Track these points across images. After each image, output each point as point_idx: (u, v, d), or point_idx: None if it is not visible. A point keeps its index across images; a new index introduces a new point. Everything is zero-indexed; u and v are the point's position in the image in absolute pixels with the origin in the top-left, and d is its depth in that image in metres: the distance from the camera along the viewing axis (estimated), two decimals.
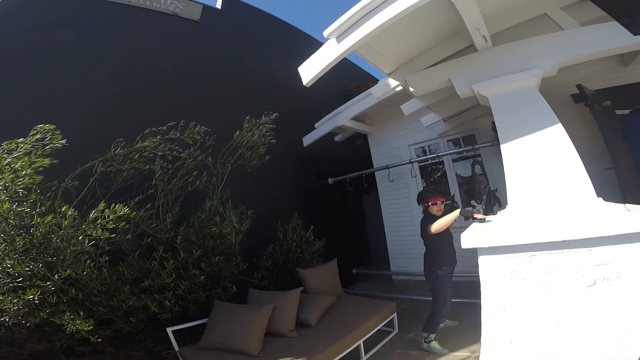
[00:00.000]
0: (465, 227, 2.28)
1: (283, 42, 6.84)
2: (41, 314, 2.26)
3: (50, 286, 2.23)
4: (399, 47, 2.91)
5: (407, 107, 4.49)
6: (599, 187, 2.00)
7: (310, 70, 2.65)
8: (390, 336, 3.41)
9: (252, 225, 3.63)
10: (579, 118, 3.55)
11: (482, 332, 1.91)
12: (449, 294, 2.90)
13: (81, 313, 2.33)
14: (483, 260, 1.89)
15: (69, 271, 2.24)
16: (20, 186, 2.16)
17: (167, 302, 2.86)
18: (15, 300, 2.12)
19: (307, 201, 5.79)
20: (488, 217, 2.41)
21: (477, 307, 1.99)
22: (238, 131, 3.84)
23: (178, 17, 5.02)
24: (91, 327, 2.30)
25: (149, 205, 3.12)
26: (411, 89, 3.04)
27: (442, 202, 3.00)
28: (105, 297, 2.61)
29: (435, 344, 2.96)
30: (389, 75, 3.18)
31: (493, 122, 3.43)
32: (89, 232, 2.27)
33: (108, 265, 2.59)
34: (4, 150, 2.24)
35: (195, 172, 3.52)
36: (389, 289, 5.17)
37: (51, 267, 2.30)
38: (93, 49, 3.98)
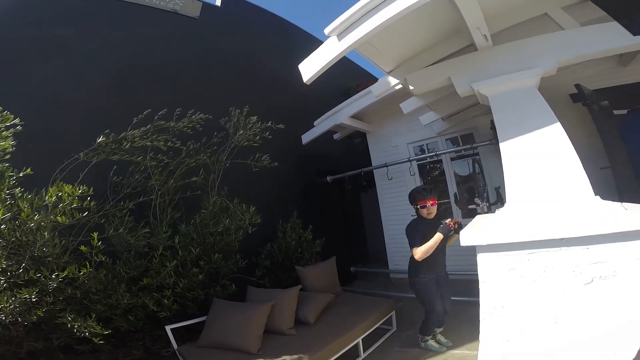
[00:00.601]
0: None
1: (283, 40, 6.82)
2: (38, 313, 2.24)
3: (48, 284, 2.22)
4: (399, 46, 2.91)
5: (407, 106, 4.49)
6: (597, 186, 2.02)
7: (310, 67, 2.65)
8: (389, 334, 3.43)
9: (251, 223, 3.62)
10: (577, 117, 3.57)
11: (480, 329, 1.92)
12: (433, 299, 2.82)
13: (93, 316, 2.33)
14: (481, 258, 1.90)
15: (67, 272, 2.23)
16: None
17: (166, 301, 2.86)
18: (12, 299, 2.11)
19: (305, 199, 5.79)
20: (461, 219, 2.41)
21: (475, 305, 2.00)
22: (228, 123, 3.78)
23: (177, 14, 5.00)
24: (103, 331, 2.29)
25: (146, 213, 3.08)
26: (411, 87, 3.04)
27: (434, 204, 2.80)
28: (104, 296, 2.60)
29: (432, 342, 2.97)
30: (389, 73, 3.18)
31: (492, 121, 3.44)
32: (53, 219, 2.21)
33: (105, 264, 2.58)
34: None
35: (198, 167, 3.46)
36: (387, 287, 5.19)
37: (44, 264, 2.28)
38: (92, 45, 3.95)
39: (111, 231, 2.75)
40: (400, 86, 3.45)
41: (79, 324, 2.24)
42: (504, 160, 2.26)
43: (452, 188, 4.91)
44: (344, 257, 5.60)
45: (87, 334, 2.25)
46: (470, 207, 4.51)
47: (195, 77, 4.84)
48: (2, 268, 2.13)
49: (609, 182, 3.18)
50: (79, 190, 2.26)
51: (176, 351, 2.81)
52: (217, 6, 5.76)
